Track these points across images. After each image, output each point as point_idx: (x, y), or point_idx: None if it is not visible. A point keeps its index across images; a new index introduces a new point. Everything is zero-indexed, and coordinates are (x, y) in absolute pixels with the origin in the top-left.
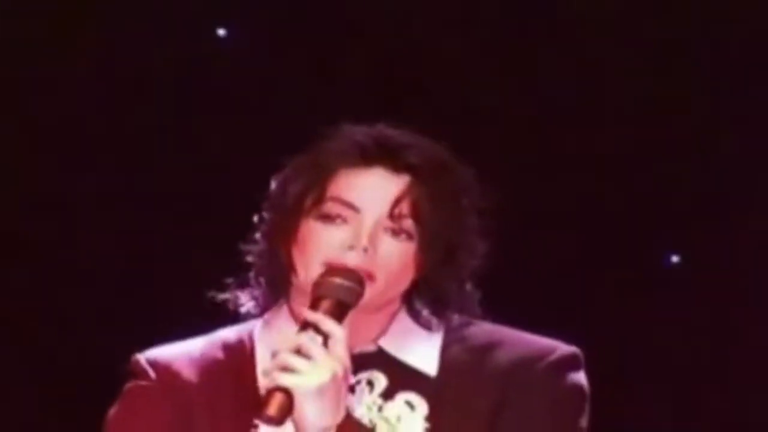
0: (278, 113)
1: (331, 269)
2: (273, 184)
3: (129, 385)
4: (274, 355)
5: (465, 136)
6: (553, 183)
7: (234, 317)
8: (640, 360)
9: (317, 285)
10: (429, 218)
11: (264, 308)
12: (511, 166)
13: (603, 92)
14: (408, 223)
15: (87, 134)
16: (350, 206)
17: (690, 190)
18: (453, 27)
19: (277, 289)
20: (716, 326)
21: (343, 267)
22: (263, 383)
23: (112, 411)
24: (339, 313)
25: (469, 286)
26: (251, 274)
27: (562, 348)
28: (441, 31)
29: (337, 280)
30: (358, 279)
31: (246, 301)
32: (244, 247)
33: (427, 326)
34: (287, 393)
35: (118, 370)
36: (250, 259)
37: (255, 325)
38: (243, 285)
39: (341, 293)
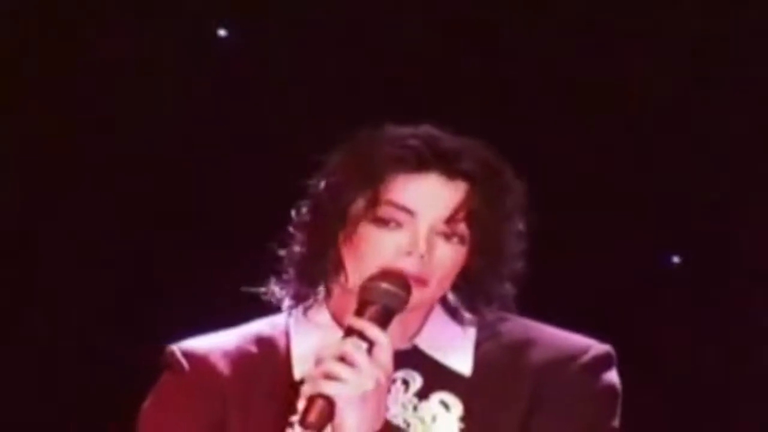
0: (278, 113)
1: (379, 273)
2: (317, 185)
3: (164, 377)
4: (317, 361)
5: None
6: (554, 183)
7: (240, 317)
8: (642, 361)
9: (364, 289)
10: (484, 224)
11: (295, 304)
12: (511, 166)
13: (604, 92)
14: (462, 228)
15: (87, 134)
16: (406, 210)
17: (691, 191)
18: (452, 27)
19: (315, 288)
20: (717, 327)
21: (396, 272)
22: (305, 390)
23: (147, 403)
24: (384, 319)
25: (509, 287)
26: (285, 272)
27: (596, 347)
28: (441, 30)
29: (384, 285)
30: (405, 285)
31: (280, 297)
32: (278, 244)
33: (461, 322)
34: (329, 400)
35: (119, 370)
36: (284, 255)
37: (288, 321)
38: (276, 281)
39: (387, 299)
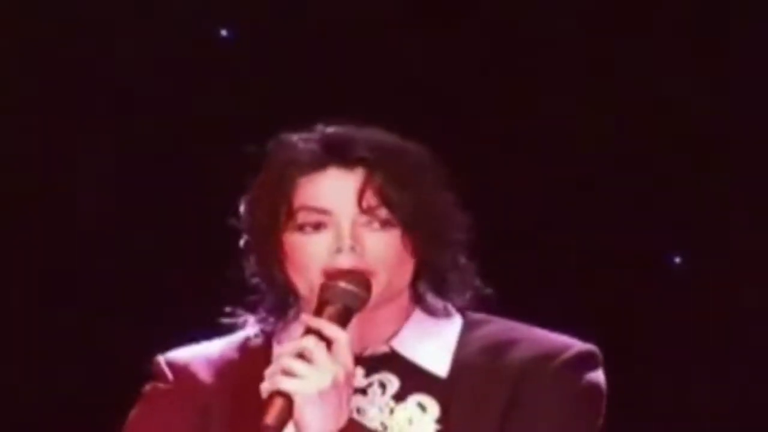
0: (279, 113)
1: (338, 272)
2: (242, 209)
3: (147, 387)
4: (276, 359)
5: (467, 133)
6: (555, 183)
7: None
8: (643, 360)
9: (323, 288)
10: (399, 201)
11: (277, 319)
12: (513, 166)
13: (604, 92)
14: (383, 212)
15: (87, 134)
16: (321, 211)
17: (692, 190)
18: (452, 27)
19: (283, 304)
20: (718, 327)
21: (344, 270)
22: (264, 387)
23: (132, 413)
24: (343, 318)
25: (463, 260)
26: (251, 299)
27: (578, 346)
28: (441, 31)
29: (343, 284)
30: (365, 283)
31: (257, 321)
32: (246, 270)
33: (442, 316)
34: (287, 398)
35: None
36: (251, 279)
37: (275, 329)
38: (251, 306)
39: (346, 298)
